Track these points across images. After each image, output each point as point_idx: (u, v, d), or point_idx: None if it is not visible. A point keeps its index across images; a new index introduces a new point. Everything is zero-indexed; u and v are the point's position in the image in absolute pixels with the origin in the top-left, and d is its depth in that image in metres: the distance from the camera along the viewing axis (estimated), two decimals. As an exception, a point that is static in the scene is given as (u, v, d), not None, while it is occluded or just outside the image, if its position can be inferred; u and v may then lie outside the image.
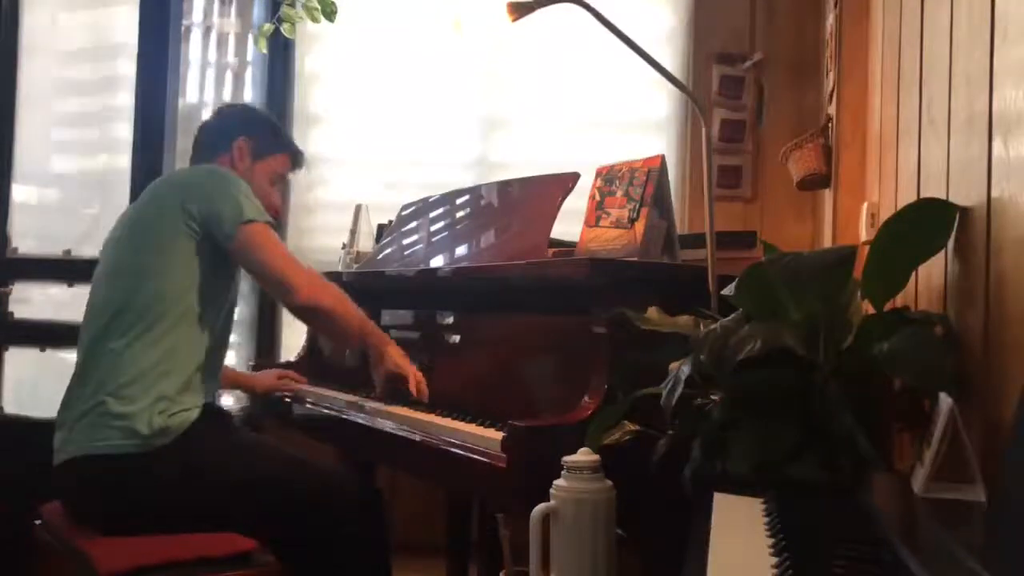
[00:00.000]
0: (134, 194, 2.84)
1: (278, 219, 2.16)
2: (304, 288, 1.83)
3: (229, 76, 3.27)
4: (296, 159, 2.14)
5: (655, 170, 1.86)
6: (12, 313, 2.99)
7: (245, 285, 2.86)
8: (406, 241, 2.49)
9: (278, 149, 2.10)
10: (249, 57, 3.24)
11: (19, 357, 3.04)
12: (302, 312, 1.89)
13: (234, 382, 2.35)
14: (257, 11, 3.23)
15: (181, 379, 1.79)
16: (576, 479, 1.35)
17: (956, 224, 1.23)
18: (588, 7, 1.84)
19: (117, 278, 1.86)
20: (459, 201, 2.35)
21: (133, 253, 1.86)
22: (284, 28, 3.02)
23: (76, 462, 1.74)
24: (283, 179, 2.15)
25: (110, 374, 1.76)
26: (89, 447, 1.73)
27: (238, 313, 2.14)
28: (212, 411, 1.88)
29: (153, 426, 1.72)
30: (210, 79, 3.24)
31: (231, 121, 2.09)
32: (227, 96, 3.27)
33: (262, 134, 2.08)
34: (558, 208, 1.96)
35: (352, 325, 1.93)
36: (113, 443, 1.72)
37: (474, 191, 2.31)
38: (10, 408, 2.97)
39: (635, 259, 1.79)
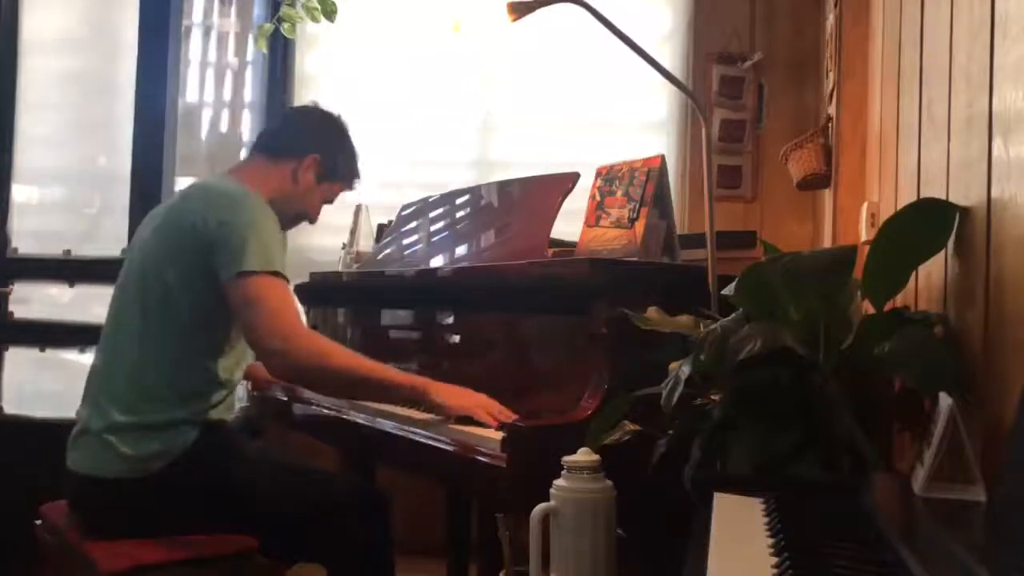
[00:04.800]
0: (134, 194, 2.84)
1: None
2: (290, 351, 1.68)
3: (229, 76, 3.28)
4: (355, 185, 2.08)
5: (655, 170, 1.86)
6: (12, 313, 2.99)
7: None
8: (406, 241, 2.49)
9: (347, 179, 2.04)
10: (249, 57, 3.24)
11: (19, 357, 3.04)
12: (275, 361, 1.73)
13: (252, 377, 2.26)
14: (257, 11, 3.23)
15: (179, 406, 1.73)
16: (576, 479, 1.35)
17: (956, 224, 1.23)
18: (588, 7, 1.84)
19: (134, 292, 1.81)
20: (459, 201, 2.35)
21: (149, 271, 1.80)
22: (284, 28, 3.02)
23: (77, 476, 1.74)
24: (332, 201, 2.07)
25: (109, 393, 1.75)
26: (86, 468, 1.73)
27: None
28: (212, 430, 1.78)
29: (145, 452, 1.69)
30: (210, 79, 3.24)
31: (313, 131, 1.99)
32: (227, 96, 3.27)
33: (339, 158, 2.00)
34: (558, 208, 1.95)
35: (357, 378, 1.76)
36: (107, 467, 1.70)
37: (474, 191, 2.31)
38: (10, 408, 2.97)
39: (635, 259, 1.79)
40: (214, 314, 1.76)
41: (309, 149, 1.95)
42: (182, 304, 1.76)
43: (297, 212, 1.99)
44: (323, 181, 1.98)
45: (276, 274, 1.73)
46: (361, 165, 2.10)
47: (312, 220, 2.04)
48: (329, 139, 2.00)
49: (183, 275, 1.75)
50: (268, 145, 1.99)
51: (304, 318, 1.79)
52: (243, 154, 2.84)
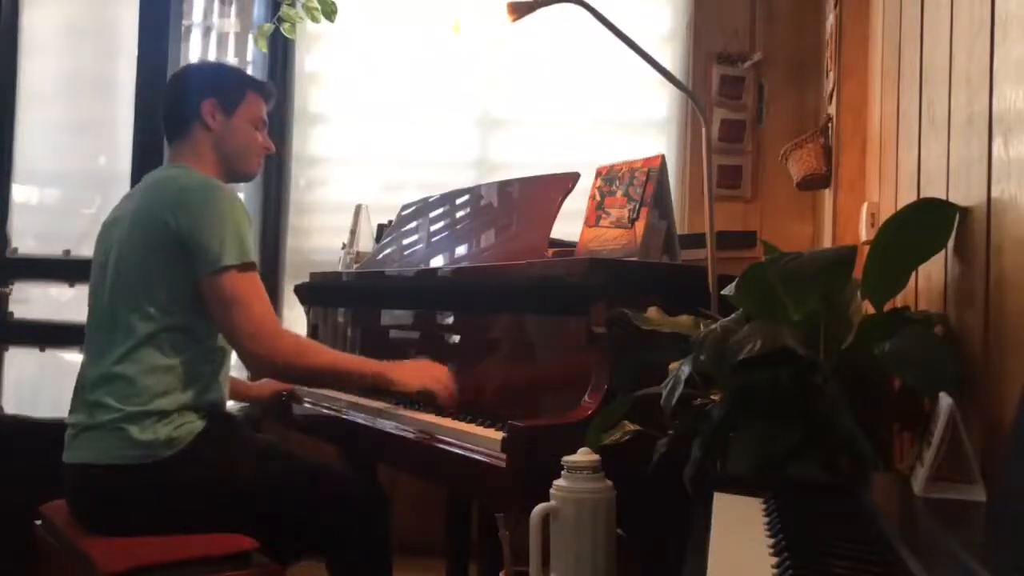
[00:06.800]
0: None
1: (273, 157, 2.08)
2: (261, 340, 1.76)
3: (229, 76, 3.27)
4: (266, 92, 2.05)
5: (655, 170, 1.86)
6: (12, 313, 2.99)
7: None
8: (406, 241, 2.49)
9: (245, 93, 2.00)
10: (249, 57, 3.24)
11: (19, 357, 3.04)
12: (256, 362, 1.82)
13: (234, 393, 2.27)
14: (257, 11, 3.23)
15: (184, 391, 1.77)
16: (576, 479, 1.35)
17: (956, 224, 1.23)
18: (588, 7, 1.83)
19: (116, 291, 1.82)
20: (459, 201, 2.35)
21: (128, 268, 1.82)
22: (284, 28, 3.02)
23: (79, 467, 1.75)
24: (264, 120, 2.04)
25: (112, 388, 1.75)
26: (91, 457, 1.73)
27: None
28: (218, 418, 1.84)
29: (157, 438, 1.71)
30: (210, 79, 3.23)
31: (191, 87, 1.98)
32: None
33: (225, 86, 1.99)
34: (558, 208, 1.96)
35: (329, 373, 1.88)
36: (116, 454, 1.71)
37: (474, 191, 2.31)
38: (10, 408, 2.97)
39: (635, 259, 1.79)
40: (199, 301, 1.78)
41: (198, 100, 1.94)
42: (165, 297, 1.78)
43: (246, 155, 1.99)
44: (233, 111, 1.96)
45: (251, 265, 1.79)
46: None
47: (269, 150, 2.05)
48: (203, 79, 1.99)
49: (162, 271, 1.77)
50: (172, 128, 1.98)
51: (273, 308, 1.87)
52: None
